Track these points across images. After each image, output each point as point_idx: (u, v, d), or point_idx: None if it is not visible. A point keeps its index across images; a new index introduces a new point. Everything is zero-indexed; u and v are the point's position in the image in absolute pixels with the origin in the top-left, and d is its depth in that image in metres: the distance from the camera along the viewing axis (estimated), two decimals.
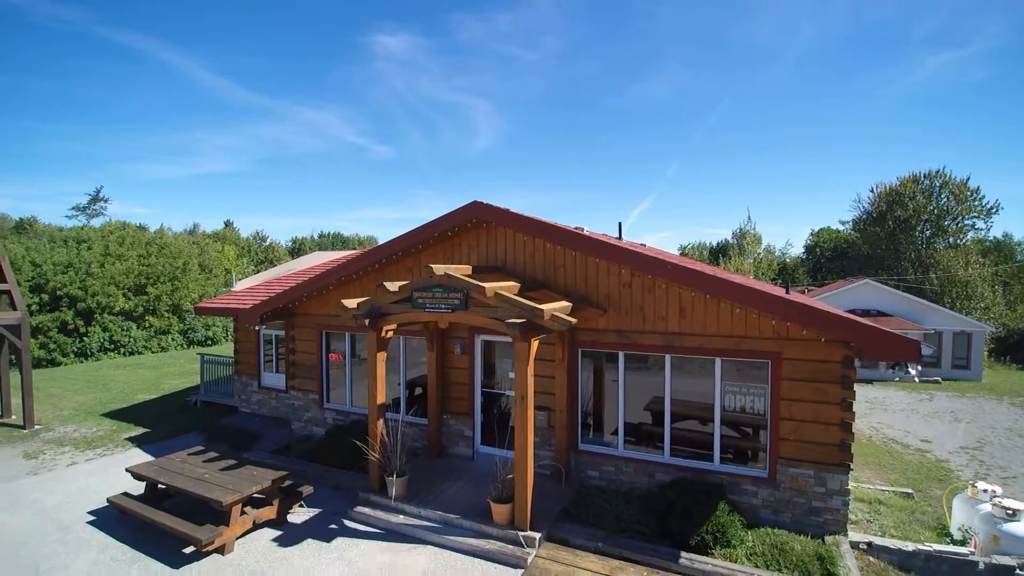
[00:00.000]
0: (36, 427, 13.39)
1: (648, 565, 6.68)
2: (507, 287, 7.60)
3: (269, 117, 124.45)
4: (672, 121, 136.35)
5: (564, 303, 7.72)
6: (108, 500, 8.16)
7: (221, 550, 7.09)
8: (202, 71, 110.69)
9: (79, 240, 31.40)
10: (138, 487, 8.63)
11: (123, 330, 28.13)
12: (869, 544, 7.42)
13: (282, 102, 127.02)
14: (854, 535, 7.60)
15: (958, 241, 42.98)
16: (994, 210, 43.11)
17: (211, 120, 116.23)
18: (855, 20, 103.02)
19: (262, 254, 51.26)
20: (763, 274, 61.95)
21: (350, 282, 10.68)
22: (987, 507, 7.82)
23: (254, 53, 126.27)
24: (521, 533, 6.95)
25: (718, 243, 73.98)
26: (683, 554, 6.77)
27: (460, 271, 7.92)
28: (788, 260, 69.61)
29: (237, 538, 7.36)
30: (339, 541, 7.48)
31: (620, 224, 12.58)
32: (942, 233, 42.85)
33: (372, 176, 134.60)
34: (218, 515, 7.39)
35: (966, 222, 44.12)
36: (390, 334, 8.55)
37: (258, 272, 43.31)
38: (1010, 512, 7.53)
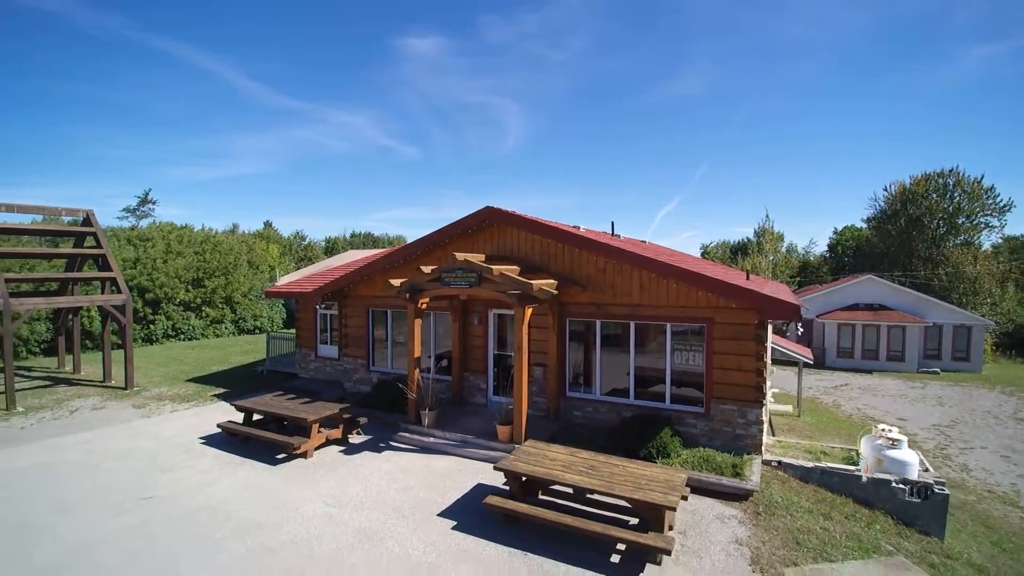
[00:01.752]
0: (135, 388, 16.60)
1: None
2: (510, 269, 10.30)
3: (302, 120, 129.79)
4: (701, 119, 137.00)
5: (551, 280, 10.40)
6: (218, 425, 11.19)
7: (304, 455, 9.99)
8: (237, 75, 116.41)
9: (142, 238, 35.22)
10: (232, 424, 11.62)
11: (184, 319, 31.76)
12: (779, 462, 9.87)
13: (314, 105, 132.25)
14: (769, 456, 10.06)
15: (971, 239, 43.99)
16: (1007, 208, 44.00)
17: (246, 123, 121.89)
18: (891, 13, 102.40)
19: (301, 252, 55.19)
20: (781, 272, 63.25)
21: (392, 269, 13.50)
22: (880, 440, 10.16)
23: (287, 58, 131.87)
24: (517, 445, 9.64)
25: (737, 241, 75.20)
26: (632, 460, 9.34)
27: (476, 258, 10.64)
28: (812, 259, 70.58)
29: (315, 448, 10.24)
30: (387, 452, 10.33)
31: (612, 223, 15.26)
32: (955, 231, 43.91)
33: (400, 177, 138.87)
34: (301, 432, 10.29)
35: (980, 220, 45.05)
36: (424, 305, 11.36)
37: (298, 268, 46.96)
38: (893, 442, 9.88)
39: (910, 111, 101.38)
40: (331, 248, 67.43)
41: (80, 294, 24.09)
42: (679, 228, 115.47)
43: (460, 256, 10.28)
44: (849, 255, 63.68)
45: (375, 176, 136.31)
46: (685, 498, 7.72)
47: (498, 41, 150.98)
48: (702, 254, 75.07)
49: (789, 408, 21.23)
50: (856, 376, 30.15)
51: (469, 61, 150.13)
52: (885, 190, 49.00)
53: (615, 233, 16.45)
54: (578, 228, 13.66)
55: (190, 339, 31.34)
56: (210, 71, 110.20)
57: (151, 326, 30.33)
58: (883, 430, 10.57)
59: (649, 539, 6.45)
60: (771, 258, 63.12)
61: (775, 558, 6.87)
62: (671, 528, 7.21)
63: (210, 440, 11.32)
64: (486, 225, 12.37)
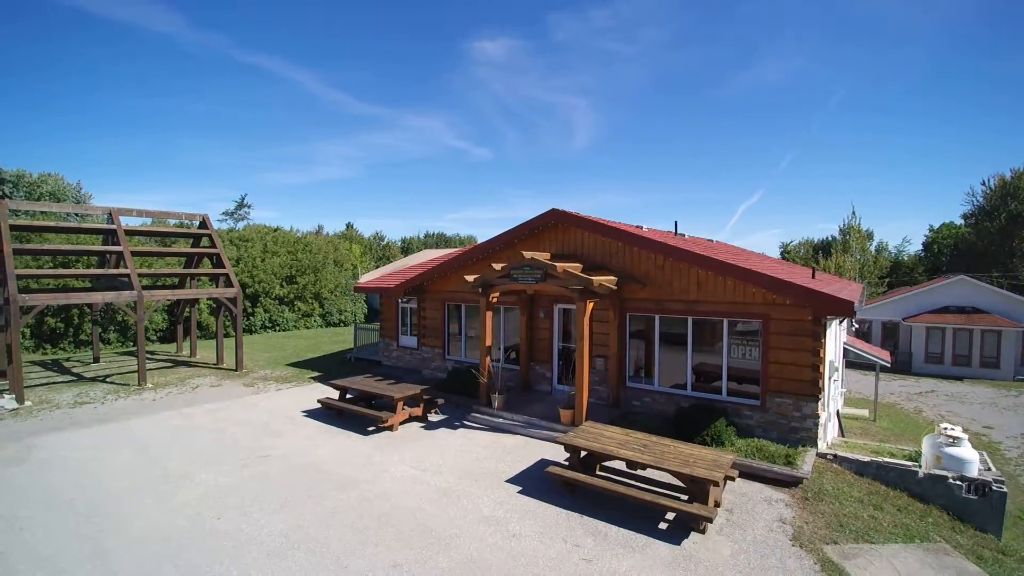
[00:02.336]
0: (244, 370, 18.87)
1: None
2: (572, 266, 11.21)
3: (379, 126, 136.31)
4: (785, 111, 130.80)
5: (611, 277, 11.22)
6: (319, 400, 12.86)
7: (391, 428, 11.39)
8: (321, 86, 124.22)
9: (243, 239, 38.92)
10: (330, 400, 13.26)
11: (279, 311, 34.91)
12: (835, 456, 10.17)
13: (391, 111, 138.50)
14: (824, 449, 10.37)
15: None
16: None
17: (328, 131, 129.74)
18: None
19: (381, 251, 58.56)
20: (869, 273, 59.96)
21: (466, 266, 14.74)
22: (941, 437, 10.21)
23: (365, 67, 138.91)
24: (577, 426, 10.54)
25: (820, 240, 71.79)
26: (683, 443, 9.99)
27: (542, 256, 11.63)
28: (906, 258, 66.29)
29: (400, 423, 11.62)
30: (461, 429, 11.55)
31: (676, 223, 15.82)
32: None
33: (472, 178, 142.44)
34: (388, 409, 11.70)
35: None
36: (495, 299, 12.50)
37: (378, 267, 50.01)
38: (953, 439, 9.93)
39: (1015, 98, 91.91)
40: (407, 248, 70.86)
41: (194, 288, 27.33)
42: (762, 225, 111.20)
43: (527, 254, 11.31)
44: (946, 254, 59.25)
45: (448, 178, 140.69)
46: (732, 479, 8.39)
47: (568, 39, 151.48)
48: (782, 253, 72.16)
49: (865, 412, 20.73)
50: (944, 383, 28.53)
51: (540, 61, 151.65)
52: (983, 184, 45.42)
53: (679, 232, 16.89)
54: (640, 228, 14.32)
55: (284, 330, 34.40)
56: (298, 83, 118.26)
57: (251, 318, 33.59)
58: (944, 428, 10.58)
59: (694, 508, 7.19)
60: (858, 257, 59.96)
61: (816, 536, 7.39)
62: (717, 505, 7.88)
63: (311, 413, 13.02)
64: (551, 225, 13.33)
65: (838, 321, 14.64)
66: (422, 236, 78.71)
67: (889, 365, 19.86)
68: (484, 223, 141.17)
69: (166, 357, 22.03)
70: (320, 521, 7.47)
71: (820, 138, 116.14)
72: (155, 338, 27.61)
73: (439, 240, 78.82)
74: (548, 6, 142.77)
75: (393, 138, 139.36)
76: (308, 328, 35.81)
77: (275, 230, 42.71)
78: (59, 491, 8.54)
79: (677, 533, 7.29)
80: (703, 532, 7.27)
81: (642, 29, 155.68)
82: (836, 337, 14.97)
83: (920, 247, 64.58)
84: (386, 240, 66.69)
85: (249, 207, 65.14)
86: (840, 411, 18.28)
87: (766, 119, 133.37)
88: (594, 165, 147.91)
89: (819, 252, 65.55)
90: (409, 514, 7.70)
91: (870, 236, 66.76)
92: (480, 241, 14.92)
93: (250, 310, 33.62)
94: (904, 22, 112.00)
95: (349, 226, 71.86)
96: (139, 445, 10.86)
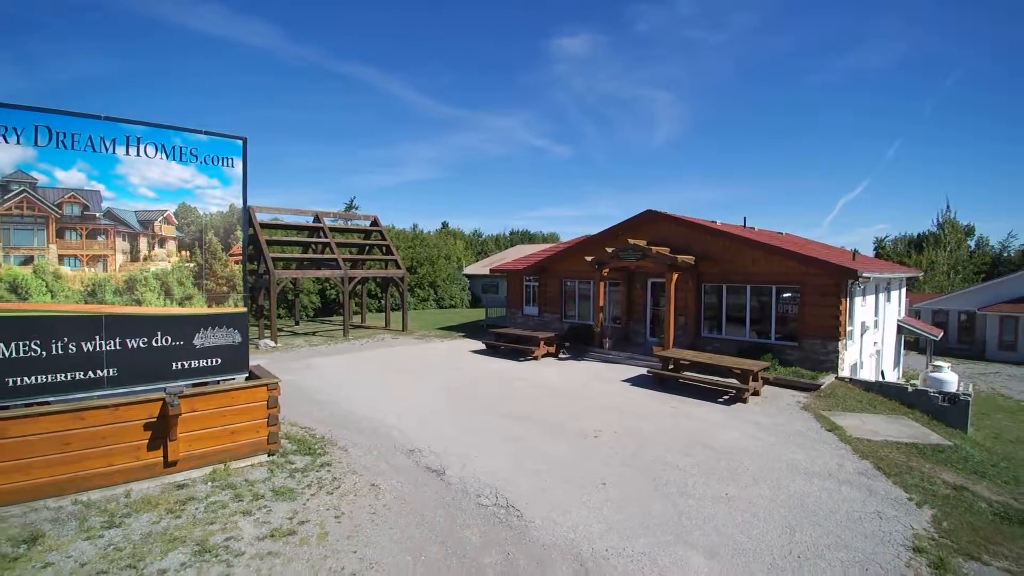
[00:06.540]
0: (409, 331, 25.22)
1: None
2: (662, 249, 16.23)
3: (461, 127, 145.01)
4: (893, 94, 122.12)
5: (690, 257, 16.16)
6: (483, 342, 18.67)
7: (534, 358, 16.98)
8: (407, 91, 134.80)
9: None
10: (489, 342, 19.11)
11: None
12: (850, 378, 14.53)
13: (472, 113, 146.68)
14: (843, 374, 14.76)
15: None
16: None
17: (414, 134, 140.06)
18: None
19: (479, 246, 65.34)
20: (963, 267, 59.76)
21: (582, 251, 20.00)
22: (929, 367, 14.28)
23: (449, 70, 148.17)
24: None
25: (919, 234, 70.86)
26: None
27: (640, 242, 16.71)
28: (1011, 254, 64.57)
29: (540, 356, 17.17)
30: (583, 361, 16.95)
31: (744, 218, 20.30)
32: None
33: (551, 176, 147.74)
34: (531, 346, 17.32)
35: None
36: (606, 272, 17.76)
37: (478, 260, 56.59)
38: (936, 367, 14.01)
39: None
40: (498, 244, 77.65)
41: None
42: (865, 220, 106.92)
43: (630, 240, 16.46)
44: None
45: (528, 176, 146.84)
46: (768, 380, 13.11)
47: (650, 30, 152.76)
48: (875, 249, 71.76)
49: (916, 382, 24.00)
50: (1013, 368, 30.39)
51: (620, 55, 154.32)
52: None
53: (747, 225, 21.32)
54: (715, 222, 19.01)
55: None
56: (385, 89, 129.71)
57: (380, 300, 40.84)
58: (933, 362, 14.63)
59: (740, 385, 12.11)
60: (955, 253, 59.72)
61: (818, 407, 12.03)
62: (756, 394, 12.67)
63: (474, 352, 18.91)
64: (646, 221, 18.36)
65: (882, 296, 18.59)
66: (508, 233, 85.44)
67: (936, 339, 23.03)
68: (563, 220, 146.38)
69: (342, 324, 28.93)
70: (512, 390, 13.12)
71: (934, 122, 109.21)
72: (312, 313, 35.01)
73: (524, 236, 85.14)
74: None
75: (474, 139, 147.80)
76: (426, 310, 42.61)
77: (392, 228, 50.19)
78: (348, 377, 14.69)
79: (728, 403, 12.22)
80: (745, 402, 12.15)
81: (729, 14, 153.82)
82: (879, 307, 18.87)
83: None
84: (483, 236, 73.57)
85: (357, 208, 74.41)
86: (890, 378, 21.88)
87: (870, 105, 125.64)
88: (676, 160, 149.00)
89: (913, 247, 65.27)
90: (562, 388, 13.20)
91: (970, 231, 65.81)
92: (564, 239, 20.18)
93: (380, 295, 40.83)
94: None
95: (445, 224, 79.69)
96: (377, 362, 17.07)
